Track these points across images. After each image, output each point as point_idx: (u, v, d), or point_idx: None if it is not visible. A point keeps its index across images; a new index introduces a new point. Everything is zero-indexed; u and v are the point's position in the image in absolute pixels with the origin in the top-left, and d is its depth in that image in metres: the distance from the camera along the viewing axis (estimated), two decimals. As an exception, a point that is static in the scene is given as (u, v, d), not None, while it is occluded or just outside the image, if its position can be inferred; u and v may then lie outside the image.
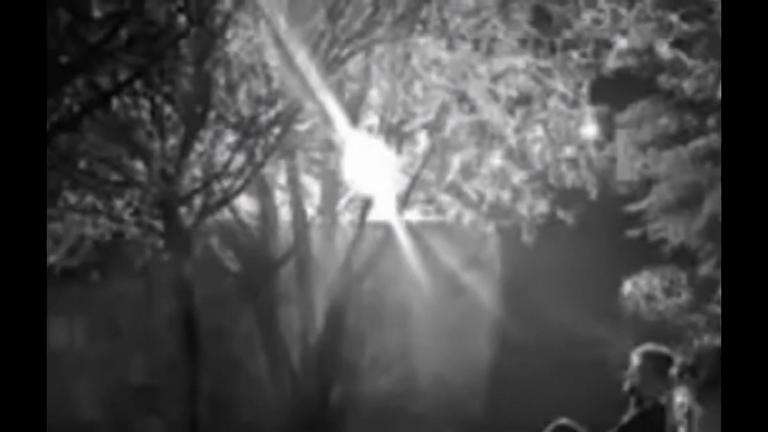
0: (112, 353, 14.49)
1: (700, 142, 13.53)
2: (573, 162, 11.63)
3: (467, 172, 11.56)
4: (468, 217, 12.19)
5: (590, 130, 11.68)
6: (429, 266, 13.07)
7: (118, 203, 9.04)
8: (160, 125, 8.49)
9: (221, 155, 8.84)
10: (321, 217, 11.52)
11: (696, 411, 5.67)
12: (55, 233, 9.88)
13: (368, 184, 10.49)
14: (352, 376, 12.62)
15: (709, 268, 13.60)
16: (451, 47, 10.03)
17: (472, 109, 10.70)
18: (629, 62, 11.29)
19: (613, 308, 14.24)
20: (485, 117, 10.75)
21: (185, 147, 8.50)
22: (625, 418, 6.36)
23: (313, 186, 11.72)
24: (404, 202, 11.21)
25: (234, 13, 8.39)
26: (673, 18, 10.77)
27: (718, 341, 10.39)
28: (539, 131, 11.26)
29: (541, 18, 10.53)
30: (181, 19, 8.14)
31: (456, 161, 11.48)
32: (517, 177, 11.65)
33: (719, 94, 12.33)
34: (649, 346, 6.48)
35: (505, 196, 11.73)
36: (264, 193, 11.28)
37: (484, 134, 11.06)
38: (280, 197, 11.60)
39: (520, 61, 10.54)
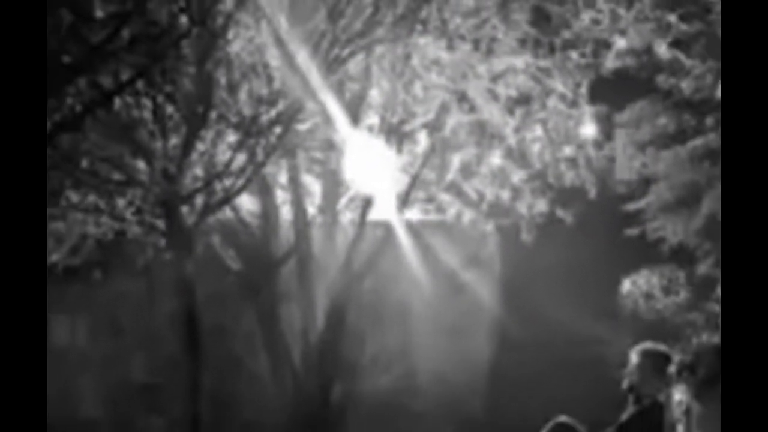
0: (114, 352, 14.50)
1: (698, 142, 13.55)
2: (572, 161, 11.64)
3: (467, 171, 11.57)
4: (468, 216, 12.20)
5: (589, 130, 11.69)
6: (429, 265, 13.10)
7: (120, 202, 9.05)
8: (161, 125, 8.50)
9: (223, 155, 8.86)
10: (322, 216, 11.52)
11: (694, 409, 5.67)
12: (58, 232, 9.89)
13: (369, 183, 10.51)
14: (352, 375, 12.62)
15: (707, 267, 13.63)
16: (451, 47, 10.03)
17: (472, 109, 10.71)
18: (628, 62, 11.29)
19: (611, 307, 14.26)
20: (485, 117, 10.75)
21: (187, 146, 8.52)
22: (624, 416, 6.35)
23: (313, 185, 11.73)
24: (404, 201, 11.22)
25: (235, 14, 8.40)
26: (672, 18, 10.77)
27: (716, 339, 10.44)
28: (538, 131, 11.26)
29: (540, 18, 10.53)
30: (183, 19, 8.16)
31: (456, 160, 11.49)
32: (517, 176, 11.65)
33: (717, 93, 12.36)
34: (647, 345, 6.47)
35: (505, 195, 11.73)
36: (265, 192, 11.28)
37: (484, 134, 11.07)
38: (281, 196, 11.60)
39: (520, 61, 10.54)
